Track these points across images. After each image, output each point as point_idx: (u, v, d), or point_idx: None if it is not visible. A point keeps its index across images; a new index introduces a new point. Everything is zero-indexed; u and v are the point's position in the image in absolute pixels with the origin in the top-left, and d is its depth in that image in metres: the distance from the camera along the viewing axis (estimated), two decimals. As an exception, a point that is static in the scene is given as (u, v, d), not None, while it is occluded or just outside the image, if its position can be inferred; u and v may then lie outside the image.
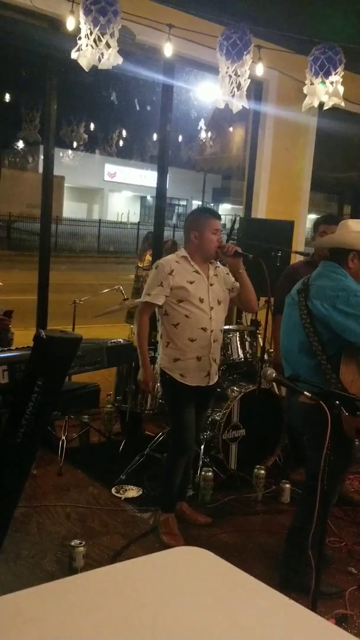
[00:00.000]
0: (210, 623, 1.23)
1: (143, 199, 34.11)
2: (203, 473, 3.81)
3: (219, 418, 4.00)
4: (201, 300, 3.22)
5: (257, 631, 1.22)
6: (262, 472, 3.93)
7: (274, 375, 2.42)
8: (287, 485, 3.90)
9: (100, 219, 27.83)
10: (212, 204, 30.15)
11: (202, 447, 4.03)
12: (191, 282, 3.21)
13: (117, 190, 32.60)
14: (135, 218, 31.62)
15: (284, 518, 3.63)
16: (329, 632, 1.27)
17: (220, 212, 4.22)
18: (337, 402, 2.28)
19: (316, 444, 2.71)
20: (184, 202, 34.20)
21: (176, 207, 34.29)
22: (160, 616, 1.24)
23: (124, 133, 22.04)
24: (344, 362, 2.59)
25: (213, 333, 3.26)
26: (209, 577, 1.42)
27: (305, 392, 2.32)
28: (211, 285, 3.28)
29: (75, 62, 3.77)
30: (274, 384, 4.35)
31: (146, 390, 3.44)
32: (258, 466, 3.97)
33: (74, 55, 3.75)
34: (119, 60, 3.79)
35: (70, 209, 28.38)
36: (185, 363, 3.24)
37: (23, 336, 3.77)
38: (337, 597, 2.92)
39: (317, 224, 3.83)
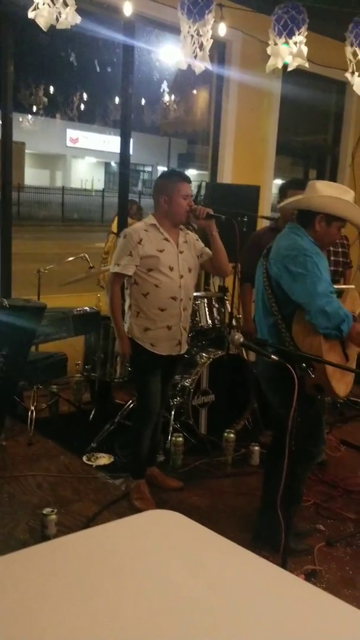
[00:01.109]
0: (183, 583, 1.25)
1: (107, 165, 33.53)
2: (173, 438, 3.85)
3: (188, 384, 4.03)
4: (171, 269, 3.19)
5: (229, 589, 1.25)
6: (232, 435, 3.99)
7: (241, 340, 2.44)
8: (257, 448, 3.97)
9: (63, 186, 27.32)
10: (177, 170, 29.82)
11: (173, 413, 4.06)
12: (161, 251, 3.17)
13: (80, 157, 31.96)
14: (99, 185, 31.13)
15: (253, 480, 3.70)
16: (298, 587, 1.30)
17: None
18: (304, 364, 2.31)
19: (283, 401, 2.76)
20: (149, 168, 33.75)
21: (141, 173, 33.83)
22: (134, 578, 1.25)
23: (85, 96, 21.50)
24: (295, 321, 2.66)
25: (182, 302, 3.25)
26: (181, 538, 1.44)
27: (272, 356, 2.34)
28: (181, 252, 3.24)
29: (32, 20, 3.64)
30: (242, 349, 4.40)
31: (124, 361, 3.42)
32: (228, 430, 4.02)
33: (30, 14, 3.62)
34: (77, 19, 3.67)
35: (32, 176, 27.76)
36: (156, 332, 3.22)
37: (-13, 307, 3.71)
38: (306, 554, 3.00)
39: (284, 189, 3.80)
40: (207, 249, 3.38)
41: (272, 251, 2.78)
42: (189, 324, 3.45)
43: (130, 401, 4.24)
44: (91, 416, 4.41)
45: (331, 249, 4.11)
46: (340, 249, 4.30)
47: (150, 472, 3.57)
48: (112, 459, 3.87)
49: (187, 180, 3.25)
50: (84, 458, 3.87)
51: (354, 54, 4.31)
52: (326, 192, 2.72)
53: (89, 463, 3.82)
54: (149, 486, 3.44)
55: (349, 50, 4.32)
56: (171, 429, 4.00)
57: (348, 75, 4.43)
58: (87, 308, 4.25)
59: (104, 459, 3.87)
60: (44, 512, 2.95)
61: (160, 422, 3.62)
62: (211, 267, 3.48)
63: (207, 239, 3.35)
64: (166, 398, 3.67)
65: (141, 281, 3.18)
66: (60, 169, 31.73)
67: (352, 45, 4.29)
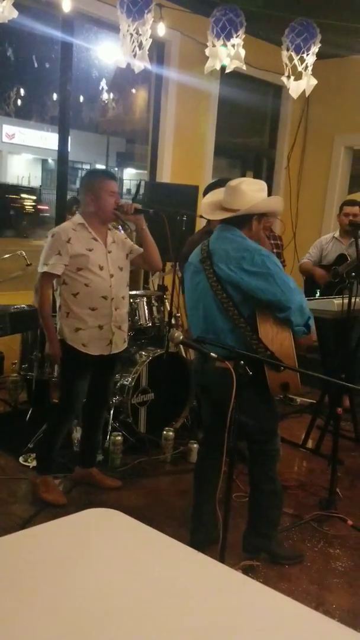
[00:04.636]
0: (124, 580, 1.26)
1: (44, 162, 32.98)
2: (112, 437, 3.84)
3: (127, 383, 4.02)
4: (101, 268, 3.17)
5: (170, 585, 1.26)
6: (171, 433, 4.01)
7: (181, 337, 2.46)
8: (195, 445, 4.00)
9: (-1, 183, 26.70)
10: (116, 168, 29.66)
11: (112, 412, 4.04)
12: (90, 250, 3.15)
13: (16, 153, 31.30)
14: (36, 182, 30.58)
15: (192, 477, 3.72)
16: (236, 581, 1.33)
17: (124, 177, 4.16)
18: (242, 362, 2.34)
19: (246, 407, 2.77)
20: (87, 166, 33.36)
21: (79, 171, 33.41)
22: (74, 577, 1.25)
23: (22, 92, 21.07)
24: (259, 321, 2.62)
25: (114, 301, 3.24)
26: (120, 536, 1.45)
27: (212, 354, 2.37)
28: (109, 252, 3.24)
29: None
30: (182, 347, 4.43)
31: (56, 363, 3.39)
32: (167, 428, 4.04)
33: (-35, 5, 3.53)
34: (14, 13, 3.62)
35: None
36: (87, 332, 3.20)
37: None
38: (299, 561, 3.05)
39: (211, 190, 3.85)
40: (136, 246, 3.40)
41: (216, 254, 2.70)
42: (128, 323, 3.45)
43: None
44: (28, 416, 4.34)
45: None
46: (274, 250, 4.38)
47: (89, 472, 3.55)
48: (49, 460, 3.82)
49: (113, 177, 3.29)
50: (21, 459, 3.80)
51: (290, 58, 4.40)
52: (259, 194, 2.73)
53: (26, 464, 3.75)
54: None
55: (285, 54, 4.41)
56: (110, 428, 3.99)
57: (284, 79, 4.52)
58: (24, 306, 4.18)
59: (41, 460, 3.81)
60: (-21, 515, 2.88)
61: (101, 423, 3.62)
62: (143, 263, 3.48)
63: (139, 234, 3.36)
64: (108, 399, 3.66)
65: (70, 281, 3.15)
66: (-5, 165, 30.99)
67: (288, 50, 4.38)
